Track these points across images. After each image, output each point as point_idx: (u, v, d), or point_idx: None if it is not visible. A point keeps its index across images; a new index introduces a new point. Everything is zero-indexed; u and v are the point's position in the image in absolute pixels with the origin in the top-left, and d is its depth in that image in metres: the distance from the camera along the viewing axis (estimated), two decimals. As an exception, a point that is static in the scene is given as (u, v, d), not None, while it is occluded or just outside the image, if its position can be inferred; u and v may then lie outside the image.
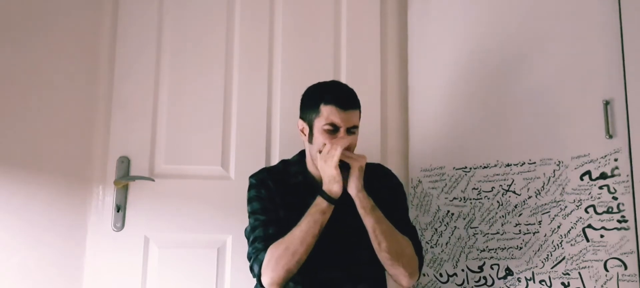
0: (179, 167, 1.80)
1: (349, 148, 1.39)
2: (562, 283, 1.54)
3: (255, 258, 1.35)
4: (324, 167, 1.36)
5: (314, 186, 1.42)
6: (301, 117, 1.46)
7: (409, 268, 1.35)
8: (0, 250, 1.60)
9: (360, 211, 1.35)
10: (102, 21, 1.85)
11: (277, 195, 1.43)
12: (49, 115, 1.72)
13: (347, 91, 1.43)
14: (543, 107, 1.63)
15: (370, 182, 1.40)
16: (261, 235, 1.36)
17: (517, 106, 1.69)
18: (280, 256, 1.30)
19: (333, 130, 1.38)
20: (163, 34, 1.86)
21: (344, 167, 1.36)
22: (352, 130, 1.40)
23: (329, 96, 1.39)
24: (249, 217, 1.43)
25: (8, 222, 1.63)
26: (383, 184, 1.49)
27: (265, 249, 1.33)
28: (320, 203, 1.34)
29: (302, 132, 1.46)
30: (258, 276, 1.34)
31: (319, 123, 1.39)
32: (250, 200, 1.44)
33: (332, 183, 1.35)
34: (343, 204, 1.36)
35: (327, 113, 1.38)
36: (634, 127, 1.44)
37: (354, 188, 1.36)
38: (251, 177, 1.48)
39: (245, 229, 1.44)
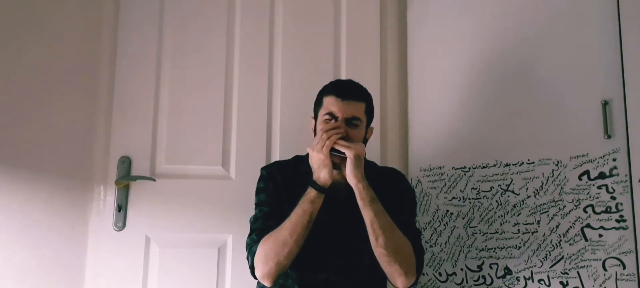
0: (179, 167, 1.80)
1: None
2: (561, 283, 1.55)
3: (250, 250, 1.33)
4: (312, 154, 1.31)
5: None
6: (313, 116, 1.46)
7: (405, 266, 1.28)
8: (1, 250, 1.61)
9: (359, 203, 1.29)
10: (103, 21, 1.85)
11: (284, 189, 1.40)
12: (50, 116, 1.72)
13: (350, 83, 1.42)
14: (542, 107, 1.64)
15: (382, 185, 1.36)
16: (260, 227, 1.34)
17: (516, 106, 1.69)
18: (270, 248, 1.27)
19: (330, 120, 1.35)
20: (164, 34, 1.86)
21: (344, 160, 1.30)
22: (353, 122, 1.35)
23: (330, 87, 1.40)
24: (255, 207, 1.43)
25: (9, 222, 1.63)
26: (393, 187, 1.44)
27: (259, 241, 1.31)
28: (309, 192, 1.29)
29: (314, 130, 1.44)
30: (251, 268, 1.33)
31: (320, 114, 1.38)
32: (258, 191, 1.44)
33: (320, 170, 1.30)
34: (347, 206, 1.33)
35: (327, 103, 1.37)
36: (633, 127, 1.45)
37: (353, 178, 1.28)
38: (263, 168, 1.48)
39: (250, 218, 1.42)
